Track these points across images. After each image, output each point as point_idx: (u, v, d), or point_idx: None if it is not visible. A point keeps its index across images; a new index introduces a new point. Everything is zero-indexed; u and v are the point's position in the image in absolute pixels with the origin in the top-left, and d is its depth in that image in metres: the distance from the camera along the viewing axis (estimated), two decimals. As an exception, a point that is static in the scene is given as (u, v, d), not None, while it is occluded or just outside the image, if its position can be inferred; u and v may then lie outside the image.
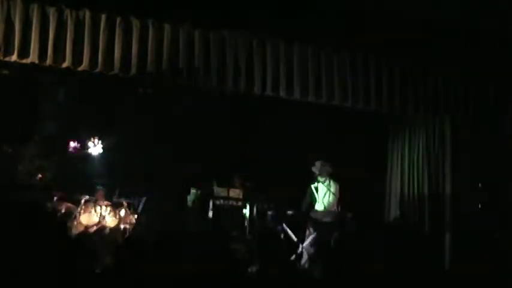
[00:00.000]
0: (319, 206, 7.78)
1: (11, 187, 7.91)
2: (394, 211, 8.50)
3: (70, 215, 7.74)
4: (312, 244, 7.46)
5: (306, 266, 7.38)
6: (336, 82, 7.16)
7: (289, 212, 7.66)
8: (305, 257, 7.42)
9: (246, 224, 7.72)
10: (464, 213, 8.03)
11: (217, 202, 8.01)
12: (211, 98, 7.78)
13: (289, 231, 7.64)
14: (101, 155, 8.82)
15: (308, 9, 6.93)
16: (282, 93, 6.92)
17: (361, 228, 7.40)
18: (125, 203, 7.92)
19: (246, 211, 7.86)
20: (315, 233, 7.49)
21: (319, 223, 7.54)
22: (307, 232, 7.68)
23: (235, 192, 8.12)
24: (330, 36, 7.11)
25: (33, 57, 6.03)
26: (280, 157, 8.60)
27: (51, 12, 6.14)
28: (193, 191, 8.30)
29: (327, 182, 7.83)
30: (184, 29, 6.58)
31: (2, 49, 5.96)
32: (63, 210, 7.72)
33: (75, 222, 7.66)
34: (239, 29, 6.79)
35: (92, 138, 8.83)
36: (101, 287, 3.36)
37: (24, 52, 6.02)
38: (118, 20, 6.35)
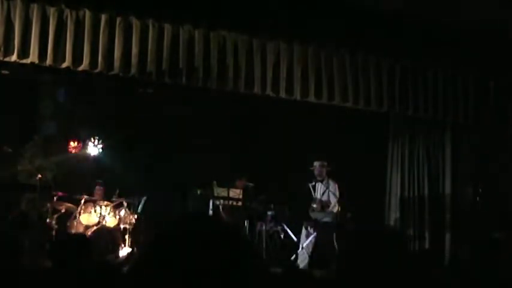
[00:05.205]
0: (316, 205, 7.78)
1: (11, 187, 7.92)
2: (394, 211, 8.51)
3: (70, 215, 7.74)
4: (312, 244, 7.47)
5: (306, 266, 7.38)
6: (336, 82, 7.17)
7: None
8: (305, 256, 7.42)
9: (246, 224, 7.71)
10: (464, 213, 8.04)
11: (217, 202, 8.00)
12: (212, 98, 7.77)
13: (289, 231, 7.64)
14: (100, 155, 8.81)
15: (308, 9, 6.93)
16: (282, 93, 6.92)
17: (360, 228, 7.39)
18: (124, 203, 7.91)
19: (246, 211, 7.86)
20: (315, 233, 7.49)
21: (319, 223, 7.54)
22: (305, 232, 7.67)
23: (235, 192, 8.11)
24: (330, 36, 7.11)
25: (33, 57, 6.03)
26: (280, 157, 8.59)
27: (51, 12, 6.14)
28: (193, 191, 8.29)
29: (326, 181, 7.83)
30: (185, 29, 6.58)
31: (2, 49, 5.96)
32: (63, 210, 7.72)
33: (75, 222, 7.66)
34: (239, 29, 6.79)
35: (92, 138, 8.82)
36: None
37: (24, 52, 6.02)
38: (118, 20, 6.35)
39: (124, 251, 7.41)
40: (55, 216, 7.60)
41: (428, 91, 7.60)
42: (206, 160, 8.47)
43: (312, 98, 7.05)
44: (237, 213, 8.00)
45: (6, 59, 6.02)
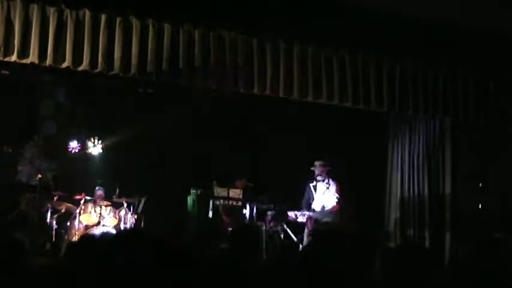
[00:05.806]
0: (317, 205, 7.78)
1: (11, 187, 7.93)
2: (394, 211, 8.51)
3: (70, 215, 7.75)
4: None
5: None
6: (335, 82, 7.16)
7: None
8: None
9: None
10: (464, 213, 8.04)
11: (217, 202, 8.00)
12: (212, 98, 7.78)
13: (289, 231, 7.65)
14: (101, 155, 8.82)
15: (308, 9, 6.92)
16: (282, 93, 6.92)
17: (360, 228, 7.41)
18: (124, 203, 7.92)
19: (246, 211, 7.86)
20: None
21: (319, 223, 7.54)
22: (306, 232, 7.68)
23: (235, 192, 8.12)
24: (330, 36, 7.10)
25: (33, 57, 6.01)
26: (280, 157, 8.60)
27: (51, 12, 6.12)
28: (193, 191, 8.30)
29: (327, 181, 7.83)
30: (184, 29, 6.58)
31: (2, 49, 5.94)
32: (63, 210, 7.73)
33: (75, 222, 7.67)
34: (238, 29, 6.79)
35: (92, 138, 8.84)
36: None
37: (24, 52, 6.00)
38: (118, 20, 6.33)
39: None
40: (55, 216, 7.61)
41: (428, 91, 7.60)
42: (206, 160, 8.48)
43: (311, 98, 7.05)
44: (237, 213, 8.01)
45: (6, 59, 6.00)
